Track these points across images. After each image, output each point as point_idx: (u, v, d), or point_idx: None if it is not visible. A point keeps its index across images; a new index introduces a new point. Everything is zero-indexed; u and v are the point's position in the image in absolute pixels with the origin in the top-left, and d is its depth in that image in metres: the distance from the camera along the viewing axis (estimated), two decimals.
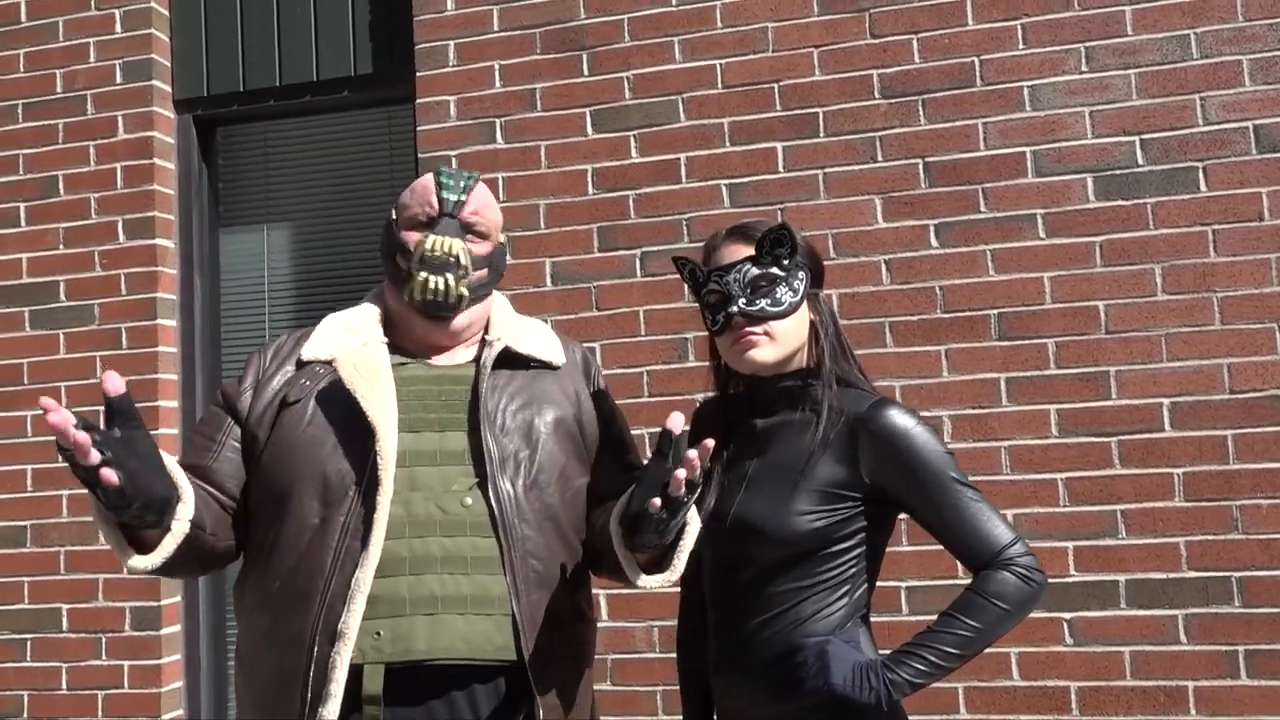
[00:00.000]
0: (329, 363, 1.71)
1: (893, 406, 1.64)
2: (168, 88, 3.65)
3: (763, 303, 1.66)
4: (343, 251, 3.65)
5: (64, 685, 3.40)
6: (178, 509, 1.47)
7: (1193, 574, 2.75)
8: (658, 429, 3.07)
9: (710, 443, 1.40)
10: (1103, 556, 2.80)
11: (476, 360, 1.77)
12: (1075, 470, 2.83)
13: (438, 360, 1.77)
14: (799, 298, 1.69)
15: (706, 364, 3.05)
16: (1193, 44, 2.87)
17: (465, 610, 1.56)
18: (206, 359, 3.64)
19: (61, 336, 3.52)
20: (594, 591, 1.83)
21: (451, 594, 1.56)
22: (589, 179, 3.21)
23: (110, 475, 1.29)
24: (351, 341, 1.73)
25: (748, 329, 1.66)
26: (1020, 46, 2.97)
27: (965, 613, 1.57)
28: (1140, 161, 2.87)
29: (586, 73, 3.24)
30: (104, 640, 3.39)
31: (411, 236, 1.73)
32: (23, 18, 3.67)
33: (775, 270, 1.68)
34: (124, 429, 1.35)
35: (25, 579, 3.45)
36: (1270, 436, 2.73)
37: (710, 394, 1.87)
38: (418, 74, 3.36)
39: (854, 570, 1.64)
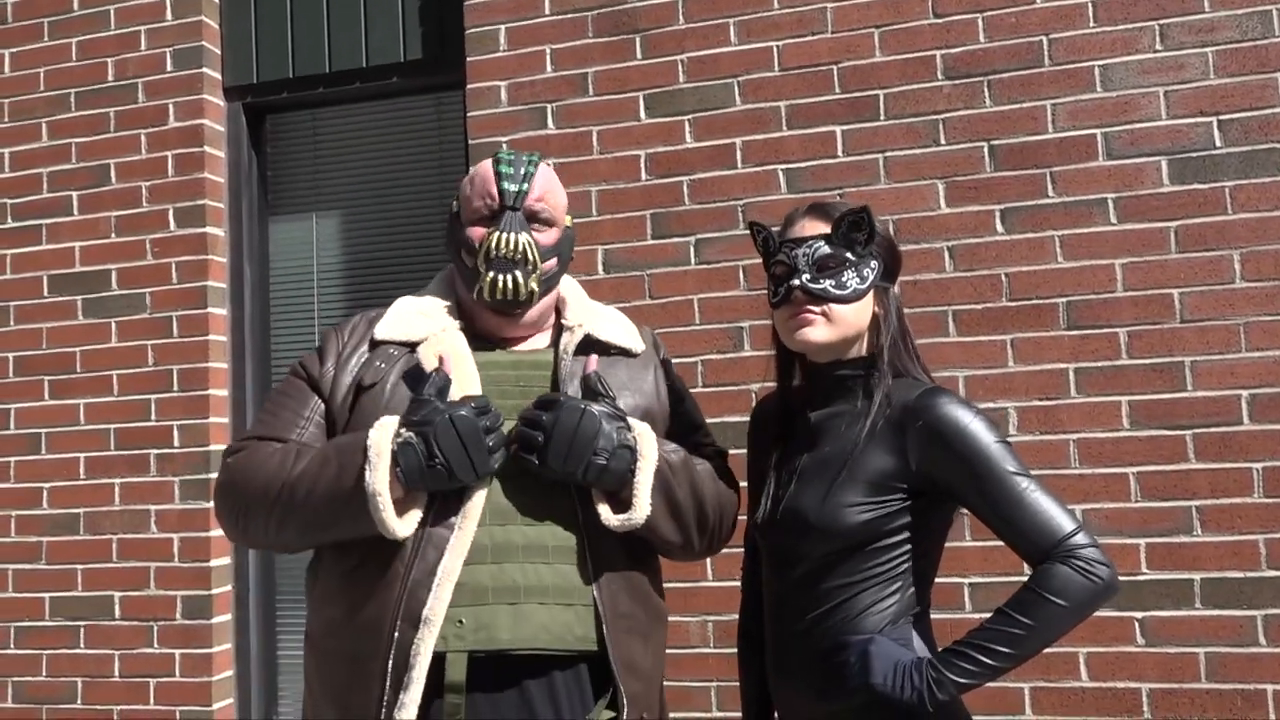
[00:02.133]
0: (404, 344, 1.69)
1: (943, 395, 1.58)
2: (218, 75, 3.63)
3: (827, 282, 1.62)
4: (392, 239, 3.62)
5: (116, 673, 3.41)
6: None
7: (1272, 573, 2.64)
8: (711, 420, 3.01)
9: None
10: (1177, 554, 2.69)
11: (555, 345, 1.76)
12: (1148, 464, 2.72)
13: (515, 347, 1.76)
14: (865, 285, 1.64)
15: (762, 353, 3.00)
16: (1274, 20, 2.74)
17: (547, 600, 1.56)
18: (256, 347, 3.62)
19: (114, 325, 3.53)
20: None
21: (534, 584, 1.56)
22: (642, 164, 3.15)
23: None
24: (429, 326, 1.71)
25: (807, 306, 1.62)
26: (1091, 24, 2.85)
27: (1020, 610, 1.48)
28: (1218, 143, 2.75)
29: (639, 56, 3.18)
30: (156, 628, 3.39)
31: (476, 232, 1.70)
32: (75, 6, 3.67)
33: (847, 253, 1.63)
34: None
35: (79, 566, 3.47)
36: None
37: (769, 386, 1.82)
38: (468, 59, 3.32)
39: (906, 565, 1.59)
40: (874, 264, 1.65)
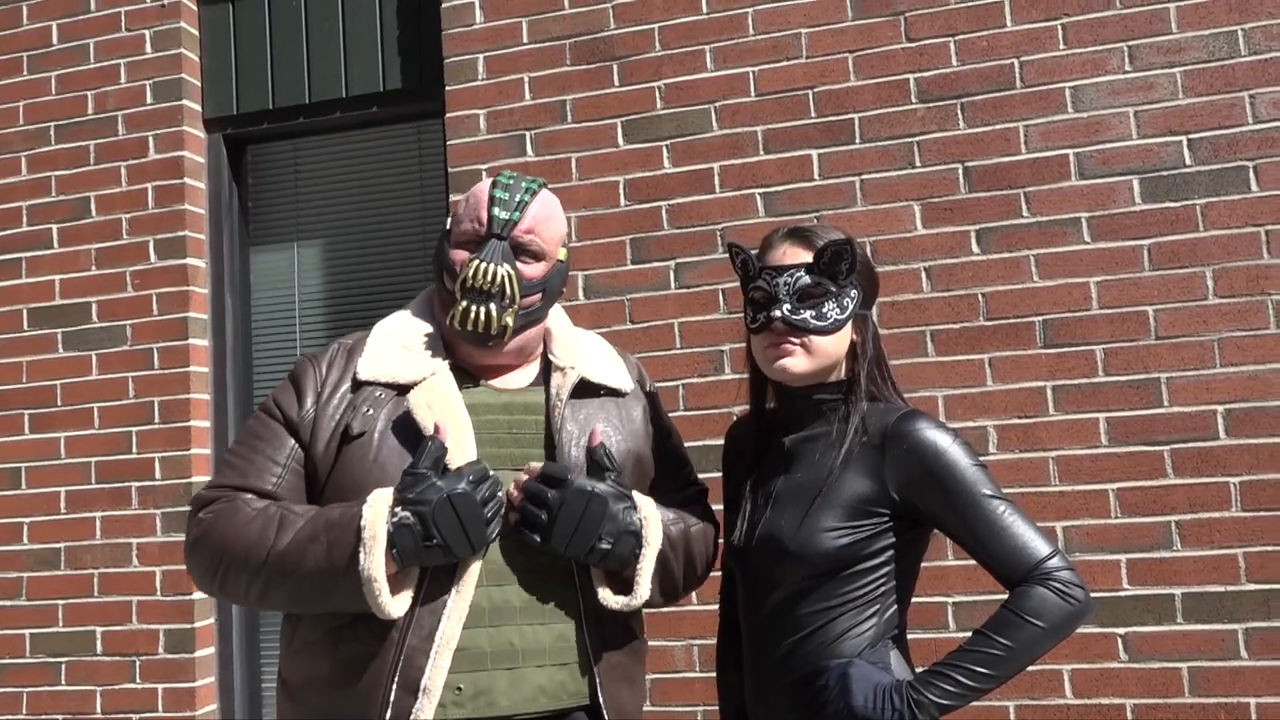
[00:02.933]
0: (390, 386, 1.61)
1: (921, 419, 1.58)
2: (198, 107, 3.64)
3: (807, 314, 1.61)
4: (374, 268, 3.63)
5: (99, 709, 3.37)
6: None
7: (1252, 586, 2.65)
8: (692, 444, 3.02)
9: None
10: (1157, 570, 2.71)
11: (545, 385, 1.69)
12: (1126, 481, 2.74)
13: (499, 383, 1.69)
14: (845, 316, 1.63)
15: (743, 376, 3.02)
16: (1240, 40, 2.79)
17: (544, 662, 1.55)
18: (238, 379, 3.62)
19: (94, 358, 3.52)
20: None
21: (531, 646, 1.54)
22: (621, 190, 3.17)
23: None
24: (415, 366, 1.63)
25: (786, 337, 1.61)
26: (1061, 47, 2.90)
27: (999, 631, 1.49)
28: (1188, 162, 2.79)
29: (617, 83, 3.21)
30: (138, 663, 3.36)
31: (458, 256, 1.63)
32: (54, 40, 3.68)
33: (828, 284, 1.62)
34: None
35: (59, 602, 3.44)
36: None
37: (743, 409, 1.83)
38: (447, 88, 3.34)
39: (884, 589, 1.59)
40: (854, 293, 1.64)
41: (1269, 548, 2.65)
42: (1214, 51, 2.81)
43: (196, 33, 3.67)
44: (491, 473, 1.53)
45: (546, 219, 1.65)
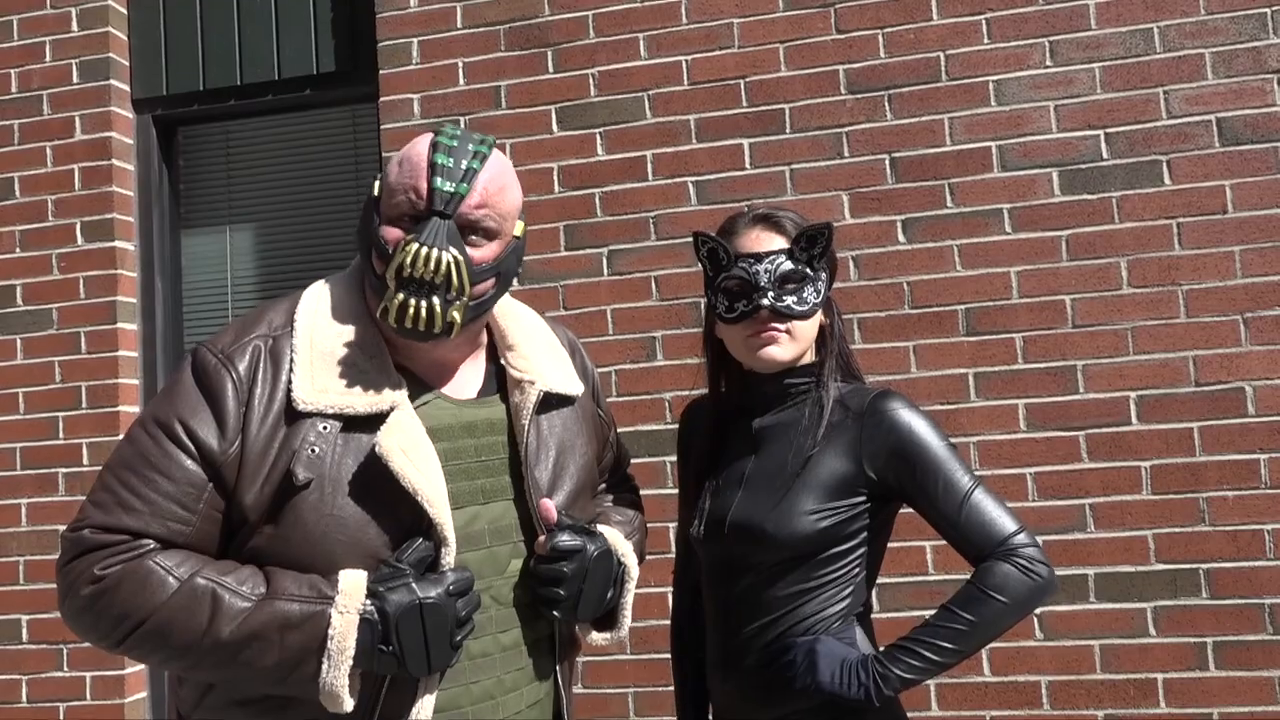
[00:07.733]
0: (337, 417, 1.33)
1: (895, 399, 1.61)
2: (126, 87, 3.58)
3: (790, 300, 1.60)
4: (307, 252, 3.60)
5: (24, 698, 3.33)
6: None
7: (1161, 567, 2.75)
8: (626, 429, 3.05)
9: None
10: (1071, 550, 2.80)
11: (499, 392, 1.50)
12: (1043, 465, 2.83)
13: (451, 391, 1.45)
14: (820, 300, 1.64)
15: (675, 362, 3.05)
16: (1156, 38, 2.87)
17: (520, 711, 1.43)
18: (168, 364, 3.58)
19: (19, 341, 3.46)
20: None
21: (511, 695, 1.42)
22: (555, 177, 3.19)
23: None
24: (368, 395, 1.34)
25: (772, 324, 1.61)
26: (985, 41, 2.96)
27: (963, 607, 1.52)
28: (1105, 155, 2.87)
29: (551, 70, 3.21)
30: (65, 651, 3.32)
31: (391, 234, 1.34)
32: None
33: (806, 269, 1.62)
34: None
35: None
36: (1236, 429, 2.74)
37: (683, 395, 1.84)
38: (381, 72, 3.32)
39: (856, 569, 1.61)
40: (824, 276, 1.65)
41: (1177, 529, 2.75)
42: (1131, 48, 2.89)
43: (125, 11, 3.61)
44: (475, 587, 1.34)
45: (500, 189, 1.37)
